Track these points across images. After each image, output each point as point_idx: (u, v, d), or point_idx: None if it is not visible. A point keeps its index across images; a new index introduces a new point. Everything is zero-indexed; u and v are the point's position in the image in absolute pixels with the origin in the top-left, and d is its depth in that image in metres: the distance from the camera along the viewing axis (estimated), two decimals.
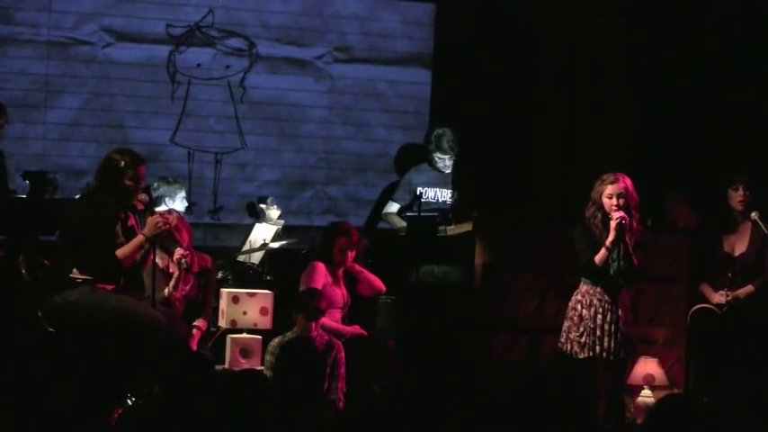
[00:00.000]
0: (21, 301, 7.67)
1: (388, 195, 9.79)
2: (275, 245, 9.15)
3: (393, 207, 9.59)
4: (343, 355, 7.91)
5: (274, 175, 10.04)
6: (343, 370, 7.90)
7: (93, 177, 7.57)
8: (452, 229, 9.13)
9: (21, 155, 9.34)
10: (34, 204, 8.47)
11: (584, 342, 7.51)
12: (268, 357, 7.91)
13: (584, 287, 7.58)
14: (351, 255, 8.30)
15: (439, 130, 9.48)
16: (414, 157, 9.87)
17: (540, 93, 10.36)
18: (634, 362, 8.19)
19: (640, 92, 10.23)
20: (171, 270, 8.03)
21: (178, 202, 9.03)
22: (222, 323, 8.25)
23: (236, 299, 8.20)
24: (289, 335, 7.94)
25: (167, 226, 7.38)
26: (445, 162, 9.45)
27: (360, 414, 5.30)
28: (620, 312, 7.49)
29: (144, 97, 9.72)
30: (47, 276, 7.48)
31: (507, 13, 10.24)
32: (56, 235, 7.77)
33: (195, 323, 8.06)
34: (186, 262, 7.99)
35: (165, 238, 7.83)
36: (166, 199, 8.99)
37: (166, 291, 7.93)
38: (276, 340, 7.96)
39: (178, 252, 7.95)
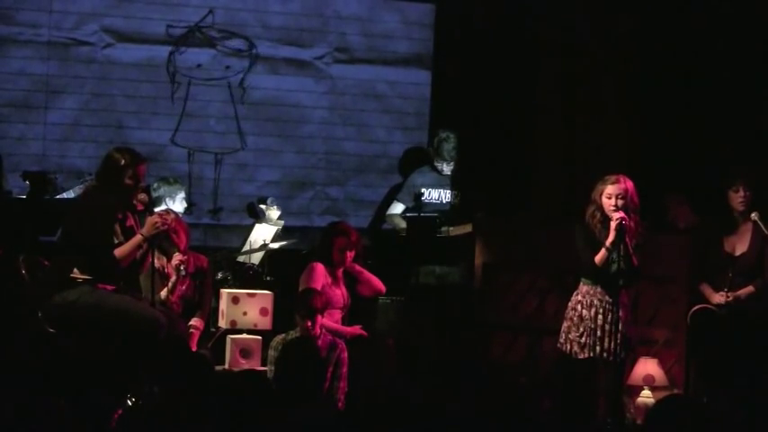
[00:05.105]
0: (21, 301, 7.67)
1: (392, 196, 9.82)
2: (275, 245, 9.15)
3: (397, 208, 9.63)
4: (346, 355, 7.92)
5: (274, 175, 10.04)
6: (345, 370, 7.91)
7: (93, 175, 7.59)
8: (453, 230, 9.14)
9: (21, 155, 9.35)
10: (34, 204, 8.47)
11: (585, 342, 7.51)
12: (271, 352, 7.93)
13: (584, 287, 7.58)
14: (350, 255, 8.30)
15: (443, 134, 9.52)
16: (417, 158, 9.90)
17: (540, 93, 10.37)
18: (634, 362, 8.19)
19: (640, 92, 10.23)
20: (167, 271, 8.03)
21: (178, 203, 9.03)
22: (222, 324, 8.25)
23: (235, 299, 8.20)
24: (292, 333, 7.96)
25: (166, 226, 7.37)
26: (443, 166, 9.52)
27: (360, 414, 5.31)
28: (620, 313, 7.48)
29: (144, 98, 9.72)
30: (47, 276, 7.47)
31: (507, 13, 10.24)
32: (56, 235, 7.77)
33: (192, 323, 8.06)
34: (185, 268, 8.00)
35: (162, 240, 7.82)
36: (166, 199, 8.99)
37: (163, 293, 7.93)
38: (279, 337, 7.99)
39: (176, 258, 7.94)
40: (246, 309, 8.20)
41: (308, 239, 9.45)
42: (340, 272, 8.35)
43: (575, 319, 7.55)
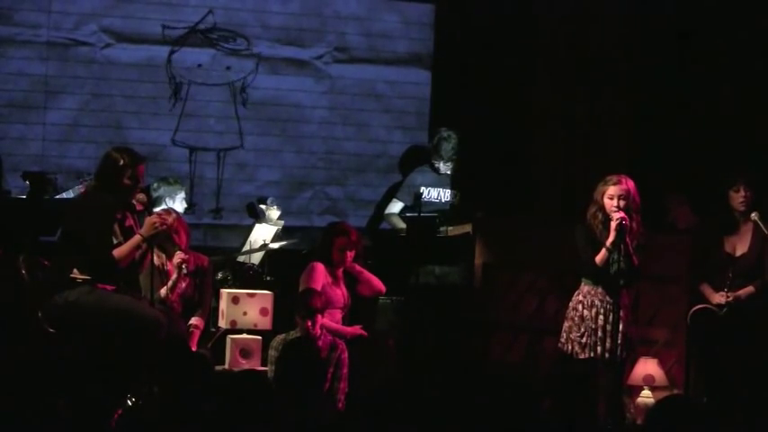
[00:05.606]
0: (21, 301, 7.67)
1: (390, 195, 9.82)
2: (275, 245, 9.15)
3: (396, 207, 9.63)
4: (346, 355, 7.92)
5: (274, 175, 10.04)
6: (345, 370, 7.90)
7: (92, 175, 7.58)
8: (452, 230, 9.14)
9: (21, 155, 9.35)
10: (34, 204, 8.47)
11: (585, 342, 7.50)
12: (271, 352, 7.94)
13: (585, 287, 7.58)
14: (350, 255, 8.30)
15: (444, 133, 9.52)
16: (417, 157, 9.90)
17: (540, 93, 10.36)
18: (634, 362, 8.19)
19: (640, 92, 10.22)
20: (167, 268, 8.03)
21: (178, 203, 9.04)
22: (222, 324, 8.25)
23: (235, 299, 8.20)
24: (292, 333, 7.96)
25: (164, 226, 7.36)
26: (440, 165, 9.53)
27: (360, 414, 5.31)
28: (621, 313, 7.48)
29: (144, 98, 9.72)
30: (47, 276, 7.47)
31: (507, 13, 10.23)
32: (56, 235, 7.76)
33: (192, 322, 8.07)
34: (186, 267, 8.01)
35: (164, 240, 7.82)
36: (166, 199, 9.00)
37: (163, 291, 7.93)
38: (280, 337, 7.99)
39: (178, 256, 7.96)
40: (246, 309, 8.20)
41: (308, 239, 9.44)
42: (340, 272, 8.34)
43: (576, 319, 7.55)
